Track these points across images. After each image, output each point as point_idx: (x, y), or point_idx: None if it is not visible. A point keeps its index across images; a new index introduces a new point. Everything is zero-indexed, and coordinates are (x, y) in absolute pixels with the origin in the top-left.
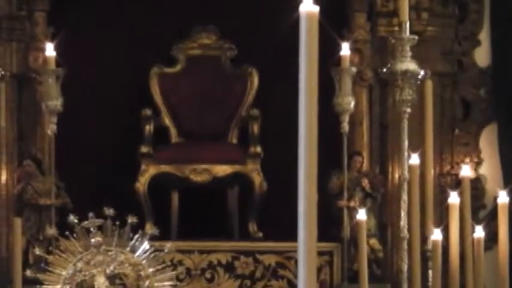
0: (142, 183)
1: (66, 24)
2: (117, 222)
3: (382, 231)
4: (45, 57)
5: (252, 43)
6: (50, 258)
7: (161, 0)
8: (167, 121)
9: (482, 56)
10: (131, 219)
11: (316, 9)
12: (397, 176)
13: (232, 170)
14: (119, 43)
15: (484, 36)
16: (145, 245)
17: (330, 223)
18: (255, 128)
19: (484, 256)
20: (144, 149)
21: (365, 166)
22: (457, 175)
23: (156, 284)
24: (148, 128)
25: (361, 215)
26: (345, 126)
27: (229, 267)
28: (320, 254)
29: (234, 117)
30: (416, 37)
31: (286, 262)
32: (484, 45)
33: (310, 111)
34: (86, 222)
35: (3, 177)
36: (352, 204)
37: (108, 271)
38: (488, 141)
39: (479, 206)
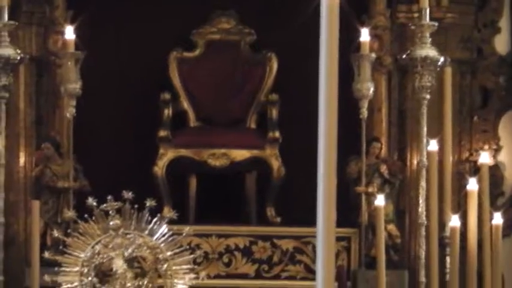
0: (160, 167)
1: (85, 7)
2: (136, 206)
3: (400, 217)
4: (65, 40)
5: (271, 28)
6: (68, 240)
7: None
8: (186, 105)
9: (502, 43)
10: (149, 203)
11: None
12: (415, 162)
13: (251, 155)
14: (138, 27)
15: (504, 23)
16: (164, 228)
17: (348, 209)
18: (274, 113)
19: (502, 243)
20: (162, 133)
21: (383, 152)
22: (475, 162)
23: (174, 267)
24: (167, 112)
25: (379, 200)
26: (364, 112)
27: (246, 252)
28: (338, 239)
29: (253, 102)
30: (436, 24)
31: (303, 247)
32: (504, 32)
33: (330, 96)
34: (104, 205)
35: (22, 160)
36: (370, 190)
37: (126, 254)
38: (507, 129)
39: (498, 193)
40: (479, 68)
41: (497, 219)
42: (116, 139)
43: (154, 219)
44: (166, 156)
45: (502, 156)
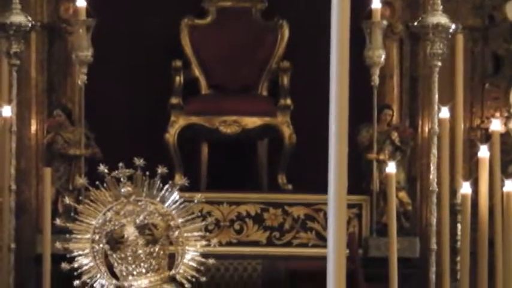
0: (171, 134)
1: None
2: (147, 173)
3: (411, 184)
4: (76, 7)
5: None
6: (80, 207)
7: None
8: (197, 73)
9: None
10: (161, 170)
11: None
12: (427, 129)
13: (262, 122)
14: None
15: None
16: (175, 195)
17: (359, 176)
18: (285, 80)
19: None
20: (174, 100)
21: (395, 119)
22: (486, 129)
23: (185, 234)
24: (179, 79)
25: (391, 168)
26: (375, 80)
27: (258, 219)
28: (349, 206)
29: (265, 70)
30: None
31: (315, 214)
32: None
33: (342, 64)
34: (116, 172)
35: (33, 128)
36: (381, 157)
37: (137, 221)
38: None
39: (509, 160)
40: (490, 35)
41: (509, 186)
42: (128, 106)
43: (166, 186)
44: (177, 123)
45: None
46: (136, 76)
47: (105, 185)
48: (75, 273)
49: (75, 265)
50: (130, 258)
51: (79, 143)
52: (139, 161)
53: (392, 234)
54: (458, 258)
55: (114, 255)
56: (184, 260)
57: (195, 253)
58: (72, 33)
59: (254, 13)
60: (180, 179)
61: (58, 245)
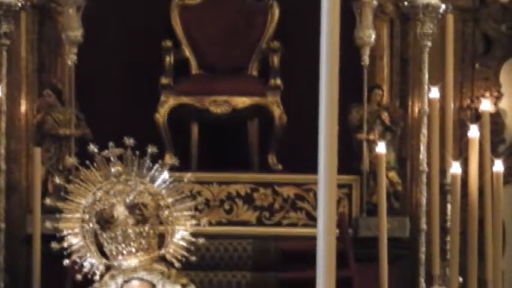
0: (162, 114)
1: None
2: (137, 152)
3: (402, 164)
4: None
5: None
6: (70, 187)
7: None
8: (187, 53)
9: None
10: (151, 150)
11: None
12: (417, 109)
13: (252, 102)
14: None
15: None
16: (165, 175)
17: (349, 156)
18: (275, 61)
19: (503, 190)
20: (164, 80)
21: (385, 99)
22: (477, 109)
23: (175, 214)
24: (169, 59)
25: (381, 148)
26: (366, 60)
27: (248, 199)
28: (339, 186)
29: (255, 50)
30: None
31: (305, 194)
32: None
33: (332, 44)
34: (105, 151)
35: (23, 108)
36: (371, 137)
37: (127, 200)
38: (508, 76)
39: (499, 140)
40: (481, 16)
41: (498, 166)
42: (118, 86)
43: (156, 166)
44: (167, 103)
45: (503, 104)
46: (126, 56)
47: (95, 164)
48: (65, 253)
49: (65, 244)
50: (120, 237)
51: (69, 123)
52: (129, 141)
53: (382, 214)
54: (448, 238)
55: (104, 235)
56: (174, 240)
57: (185, 232)
58: (62, 13)
59: None
60: (170, 159)
61: (48, 224)
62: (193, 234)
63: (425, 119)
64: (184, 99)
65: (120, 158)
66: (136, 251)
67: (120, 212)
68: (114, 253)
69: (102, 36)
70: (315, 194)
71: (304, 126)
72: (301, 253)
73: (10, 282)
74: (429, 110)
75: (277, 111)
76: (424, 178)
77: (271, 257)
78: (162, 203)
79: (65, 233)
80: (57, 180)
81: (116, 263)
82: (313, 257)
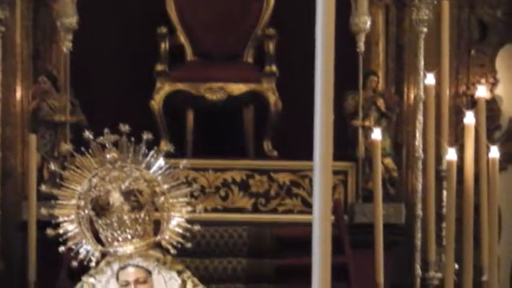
0: (157, 101)
1: None
2: (133, 139)
3: (397, 151)
4: None
5: None
6: (65, 173)
7: None
8: (183, 39)
9: None
10: (146, 136)
11: None
12: (412, 96)
13: (248, 89)
14: None
15: None
16: (160, 161)
17: (345, 142)
18: (271, 47)
19: (498, 176)
20: (159, 67)
21: (380, 86)
22: (472, 96)
23: (171, 201)
24: (164, 46)
25: (376, 134)
26: (361, 46)
27: (243, 186)
28: (335, 173)
29: (250, 36)
30: None
31: (300, 181)
32: None
33: (327, 30)
34: (101, 138)
35: (18, 94)
36: (367, 123)
37: (123, 187)
38: (504, 62)
39: (495, 126)
40: (476, 2)
41: (494, 152)
42: (113, 73)
43: (151, 153)
44: (163, 90)
45: (499, 90)
46: (121, 43)
47: (90, 151)
48: (61, 239)
49: (61, 231)
50: (115, 224)
51: (64, 110)
52: (124, 127)
53: (378, 201)
54: (444, 225)
55: (100, 221)
56: (170, 226)
57: (181, 219)
58: (57, 0)
59: None
60: (165, 146)
61: (43, 211)
62: (188, 221)
63: (420, 105)
64: (180, 86)
65: (115, 144)
66: (132, 237)
67: (116, 198)
68: (109, 240)
69: (97, 23)
70: (311, 181)
71: (300, 113)
72: (297, 239)
73: (5, 269)
74: (425, 96)
75: (273, 97)
76: (419, 164)
77: (267, 243)
78: (157, 189)
79: (61, 219)
80: (53, 166)
81: (111, 250)
82: (309, 243)
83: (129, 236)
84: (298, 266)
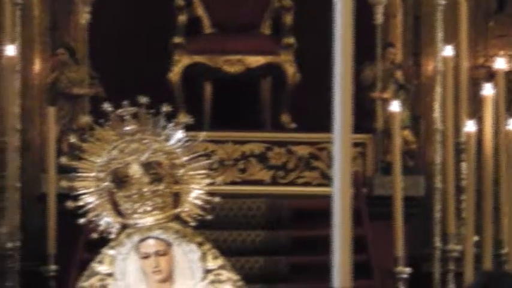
0: (175, 73)
1: None
2: (151, 111)
3: (416, 123)
4: None
5: None
6: (85, 146)
7: None
8: (200, 12)
9: None
10: (165, 108)
11: None
12: (430, 67)
13: (265, 61)
14: None
15: None
16: (179, 133)
17: (363, 115)
18: (288, 19)
19: None
20: (177, 40)
21: (398, 58)
22: (490, 68)
23: (190, 173)
24: (181, 18)
25: (395, 106)
26: (379, 18)
27: (262, 158)
28: (353, 145)
29: (267, 8)
30: None
31: (319, 153)
32: None
33: (345, 2)
34: (120, 110)
35: (37, 67)
36: (385, 95)
37: (142, 159)
38: None
39: None
40: None
41: None
42: (131, 45)
43: (170, 125)
44: (181, 62)
45: None
46: (139, 15)
47: (109, 123)
48: (80, 212)
49: (80, 203)
50: (135, 196)
51: (83, 82)
52: (143, 99)
53: (397, 173)
54: (463, 197)
55: (119, 194)
56: (189, 198)
57: (200, 191)
58: None
59: None
60: (183, 118)
61: (63, 183)
62: (208, 193)
63: (438, 77)
64: (197, 59)
65: (134, 116)
66: (152, 209)
67: (135, 170)
68: (129, 212)
69: None
70: (329, 153)
71: (318, 85)
72: (314, 212)
73: (25, 240)
74: (443, 68)
75: (291, 69)
76: (438, 136)
77: (285, 215)
78: (176, 161)
79: (80, 191)
80: (72, 139)
81: (131, 222)
82: (326, 216)
83: (149, 208)
84: (314, 237)
